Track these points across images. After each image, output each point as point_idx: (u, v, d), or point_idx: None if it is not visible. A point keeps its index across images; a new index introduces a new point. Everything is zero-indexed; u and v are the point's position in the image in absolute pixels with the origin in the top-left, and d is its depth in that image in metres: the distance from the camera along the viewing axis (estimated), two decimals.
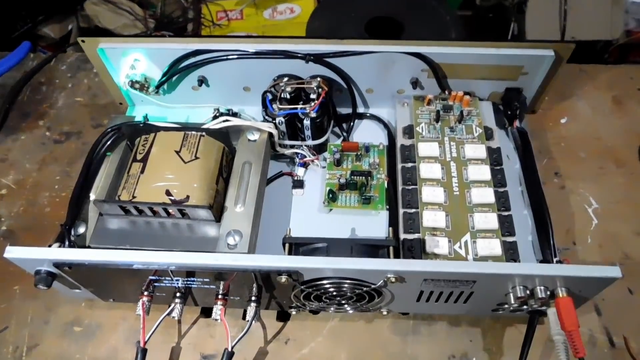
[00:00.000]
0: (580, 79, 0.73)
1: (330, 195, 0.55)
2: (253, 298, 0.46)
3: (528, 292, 0.42)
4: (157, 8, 1.07)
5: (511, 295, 0.43)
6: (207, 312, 0.52)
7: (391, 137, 0.61)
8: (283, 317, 0.52)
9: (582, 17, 0.92)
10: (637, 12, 0.93)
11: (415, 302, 0.46)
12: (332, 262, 0.40)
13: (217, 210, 0.49)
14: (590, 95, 0.71)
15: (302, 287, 0.42)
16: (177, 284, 0.45)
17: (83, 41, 0.59)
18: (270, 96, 0.56)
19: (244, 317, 0.50)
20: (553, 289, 0.42)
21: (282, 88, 0.56)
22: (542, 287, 0.42)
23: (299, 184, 0.58)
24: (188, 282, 0.45)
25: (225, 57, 0.57)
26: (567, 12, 0.92)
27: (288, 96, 0.56)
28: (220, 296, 0.46)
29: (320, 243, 0.46)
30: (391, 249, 0.46)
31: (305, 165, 0.59)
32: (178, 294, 0.47)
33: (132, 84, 0.60)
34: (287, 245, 0.46)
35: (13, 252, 0.42)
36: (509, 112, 0.60)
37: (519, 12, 0.97)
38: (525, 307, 0.45)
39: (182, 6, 1.09)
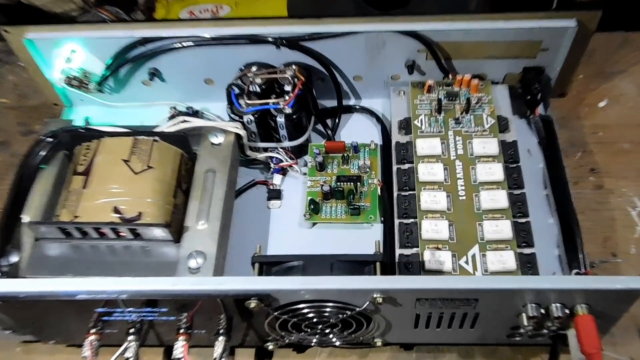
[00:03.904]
0: (624, 51, 0.78)
1: (312, 207, 0.61)
2: (221, 331, 0.52)
3: (542, 310, 0.48)
4: None
5: (523, 315, 0.49)
6: (170, 352, 0.58)
7: (386, 134, 0.67)
8: (263, 355, 0.58)
9: None
10: None
11: (414, 330, 0.53)
12: (307, 282, 0.46)
13: (176, 228, 0.55)
14: (637, 71, 0.76)
15: (276, 313, 0.49)
16: (131, 317, 0.51)
17: (6, 31, 0.64)
18: (236, 90, 0.63)
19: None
20: (572, 306, 0.48)
21: (251, 80, 0.63)
22: (558, 305, 0.48)
23: (275, 194, 0.64)
24: (144, 315, 0.51)
25: (180, 45, 0.64)
26: None
27: (258, 89, 0.63)
28: (182, 330, 0.52)
29: (295, 261, 0.52)
30: (378, 265, 0.52)
31: (282, 171, 0.66)
32: (132, 330, 0.52)
33: (69, 80, 0.67)
34: (256, 265, 0.53)
35: None
36: (529, 97, 0.66)
37: None
38: (544, 330, 0.51)
39: None
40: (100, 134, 0.60)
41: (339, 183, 0.63)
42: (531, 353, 0.58)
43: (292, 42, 0.64)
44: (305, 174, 0.65)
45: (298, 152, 0.66)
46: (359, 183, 0.63)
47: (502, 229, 0.56)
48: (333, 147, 0.65)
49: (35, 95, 0.79)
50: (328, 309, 0.48)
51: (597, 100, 0.74)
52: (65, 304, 0.49)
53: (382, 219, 0.61)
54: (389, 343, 0.57)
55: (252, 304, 0.47)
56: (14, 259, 0.55)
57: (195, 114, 0.68)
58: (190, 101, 0.69)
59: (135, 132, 0.60)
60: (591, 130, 0.72)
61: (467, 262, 0.55)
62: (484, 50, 0.65)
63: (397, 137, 0.64)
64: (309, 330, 0.52)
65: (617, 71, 0.76)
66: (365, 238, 0.60)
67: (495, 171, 0.60)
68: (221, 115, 0.67)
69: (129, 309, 0.50)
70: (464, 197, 0.59)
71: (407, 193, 0.60)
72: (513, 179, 0.60)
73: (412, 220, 0.58)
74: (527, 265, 0.55)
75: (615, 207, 0.66)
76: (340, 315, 0.49)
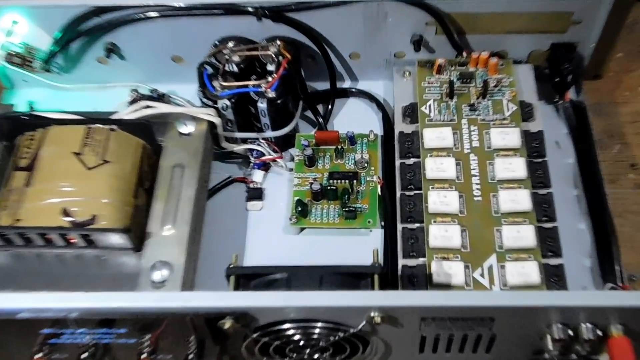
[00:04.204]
0: None
1: (300, 209, 0.61)
2: (191, 356, 0.52)
3: (570, 332, 0.48)
4: None
5: (548, 338, 0.49)
6: None
7: (387, 122, 0.68)
8: None
9: None
10: None
11: (419, 355, 0.53)
12: (292, 297, 0.46)
13: (137, 234, 0.55)
14: None
15: (256, 335, 0.49)
16: (83, 339, 0.51)
17: None
18: (209, 70, 0.63)
19: None
20: (606, 327, 0.48)
21: (227, 57, 0.63)
22: (589, 325, 0.48)
23: (255, 193, 0.65)
24: (99, 337, 0.51)
25: (143, 16, 0.64)
26: None
27: (235, 69, 0.63)
28: (145, 355, 0.52)
29: (278, 273, 0.52)
30: (376, 277, 0.53)
31: (264, 166, 0.66)
32: (85, 355, 0.52)
33: (10, 57, 0.67)
34: (232, 278, 0.53)
35: None
36: (558, 79, 0.67)
37: None
38: (572, 355, 0.51)
39: None
40: (47, 122, 0.59)
41: (331, 181, 0.63)
42: None
43: (276, 13, 0.64)
44: (291, 169, 0.65)
45: (283, 144, 0.66)
46: (355, 181, 0.63)
47: (524, 235, 0.57)
48: (325, 138, 0.65)
49: None
50: (317, 330, 0.48)
51: (639, 83, 0.74)
52: (5, 324, 0.49)
53: (382, 223, 0.61)
54: None
55: (227, 323, 0.47)
56: None
57: (161, 98, 0.68)
58: (154, 82, 0.69)
59: (88, 119, 0.60)
60: (631, 118, 0.72)
61: (482, 275, 0.55)
62: (505, 23, 0.65)
63: (400, 126, 0.64)
64: (294, 355, 0.52)
65: None
66: (362, 246, 0.61)
67: (516, 167, 0.60)
68: (191, 100, 0.67)
69: (81, 330, 0.50)
70: (479, 198, 0.59)
71: (412, 193, 0.60)
72: (538, 177, 0.60)
73: (417, 225, 0.58)
74: (554, 278, 0.55)
75: None
76: (332, 338, 0.49)
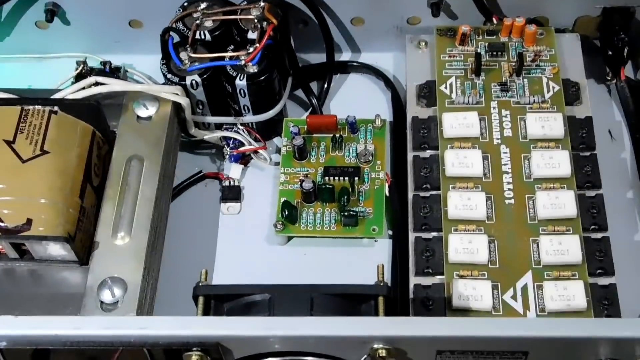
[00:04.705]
0: None
1: (287, 213, 0.62)
2: None
3: None
4: None
5: None
6: None
7: (398, 105, 0.69)
8: None
9: None
10: None
11: None
12: (276, 325, 0.46)
13: (83, 244, 0.56)
14: None
15: None
16: None
17: None
18: (176, 37, 0.64)
19: None
20: None
21: (198, 22, 0.64)
22: None
23: (232, 193, 0.66)
24: None
25: None
26: None
27: (208, 36, 0.64)
28: None
29: (258, 294, 0.52)
30: (381, 300, 0.53)
31: (242, 159, 0.67)
32: None
33: None
34: (200, 300, 0.54)
35: None
36: (612, 53, 0.68)
37: None
38: None
39: None
40: None
41: (327, 178, 0.64)
42: None
43: None
44: (277, 163, 0.66)
45: (267, 132, 0.67)
46: (356, 178, 0.63)
47: (568, 248, 0.57)
48: (319, 124, 0.66)
49: None
50: None
51: None
52: None
53: (390, 232, 0.62)
54: None
55: (194, 357, 0.47)
56: None
57: (114, 72, 0.69)
58: (106, 53, 0.70)
59: (23, 98, 0.60)
60: None
61: (514, 298, 0.56)
62: None
63: (414, 109, 0.65)
64: None
65: None
66: (364, 260, 0.61)
67: (559, 162, 0.61)
68: (153, 76, 0.68)
69: None
70: (511, 201, 0.60)
71: (427, 194, 0.61)
72: (585, 175, 0.61)
73: (434, 234, 0.59)
74: (604, 302, 0.56)
75: None
76: None
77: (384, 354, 0.46)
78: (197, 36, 0.64)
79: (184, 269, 0.60)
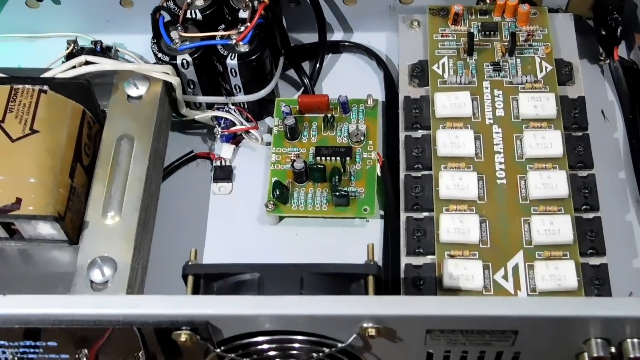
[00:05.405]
0: None
1: (278, 193, 0.62)
2: None
3: (613, 349, 0.49)
4: None
5: (585, 356, 0.50)
6: None
7: (390, 85, 0.69)
8: None
9: None
10: None
11: None
12: (266, 303, 0.46)
13: (73, 223, 0.56)
14: None
15: (220, 350, 0.49)
16: (4, 355, 0.52)
17: None
18: (166, 16, 0.64)
19: None
20: None
21: (189, 1, 0.63)
22: (636, 340, 0.48)
23: (223, 173, 0.66)
24: (23, 352, 0.52)
25: None
26: None
27: (199, 16, 0.64)
28: None
29: (248, 273, 0.53)
30: (371, 279, 0.53)
31: (234, 139, 0.67)
32: None
33: None
34: (190, 279, 0.54)
35: None
36: (605, 32, 0.67)
37: None
38: None
39: None
40: None
41: (318, 158, 0.64)
42: None
43: None
44: (268, 143, 0.66)
45: (258, 111, 0.67)
46: (348, 158, 0.63)
47: (560, 228, 0.57)
48: (311, 104, 0.66)
49: None
50: (296, 345, 0.49)
51: None
52: None
53: (382, 212, 0.62)
54: None
55: (183, 336, 0.47)
56: None
57: (105, 51, 0.68)
58: (97, 32, 0.70)
59: (12, 77, 0.60)
60: None
61: (505, 277, 0.56)
62: None
63: (406, 89, 0.65)
64: None
65: None
66: (355, 240, 0.62)
67: (551, 142, 0.61)
68: (144, 55, 0.68)
69: (1, 343, 0.51)
70: (503, 181, 0.60)
71: (419, 174, 0.61)
72: (577, 155, 0.61)
73: (425, 214, 0.59)
74: (595, 282, 0.56)
75: None
76: (314, 354, 0.50)
77: (373, 333, 0.46)
78: (188, 15, 0.64)
79: (175, 248, 0.60)
